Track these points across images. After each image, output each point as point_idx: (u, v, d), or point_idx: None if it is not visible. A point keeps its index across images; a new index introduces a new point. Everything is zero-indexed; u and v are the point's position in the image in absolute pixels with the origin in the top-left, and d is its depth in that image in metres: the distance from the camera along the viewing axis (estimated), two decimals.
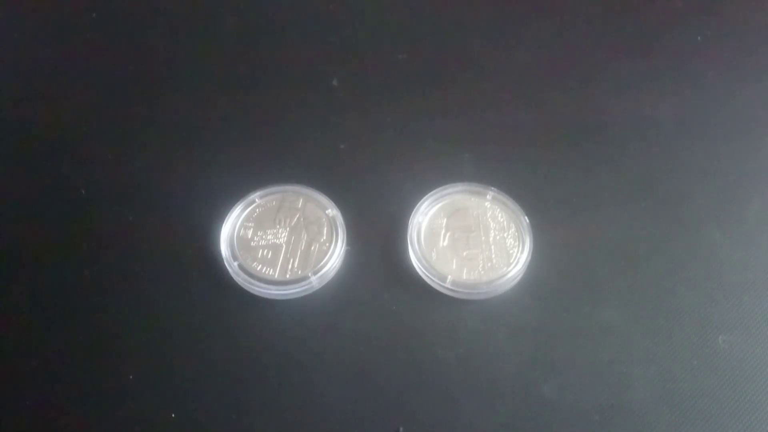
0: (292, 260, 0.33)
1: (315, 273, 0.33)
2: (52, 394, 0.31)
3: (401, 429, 0.30)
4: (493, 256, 0.34)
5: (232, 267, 0.33)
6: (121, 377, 0.31)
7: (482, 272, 0.33)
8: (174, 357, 0.32)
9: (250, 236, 0.34)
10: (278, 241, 0.34)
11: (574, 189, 0.37)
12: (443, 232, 0.34)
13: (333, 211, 0.35)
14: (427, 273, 0.33)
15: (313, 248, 0.34)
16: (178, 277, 0.34)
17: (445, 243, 0.34)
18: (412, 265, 0.34)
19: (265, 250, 0.34)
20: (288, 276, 0.33)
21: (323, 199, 0.35)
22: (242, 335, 0.32)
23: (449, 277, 0.33)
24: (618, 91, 0.40)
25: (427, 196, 0.35)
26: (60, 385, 0.31)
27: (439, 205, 0.35)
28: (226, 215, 0.34)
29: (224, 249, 0.33)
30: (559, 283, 0.34)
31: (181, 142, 0.38)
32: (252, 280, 0.33)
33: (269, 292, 0.33)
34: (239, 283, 0.33)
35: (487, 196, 0.35)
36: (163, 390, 0.31)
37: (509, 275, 0.33)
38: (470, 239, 0.34)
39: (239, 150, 0.38)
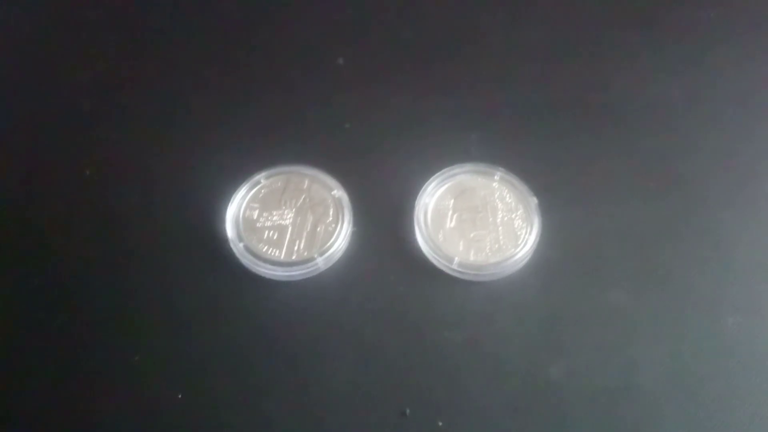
0: (298, 241, 0.33)
1: (321, 254, 0.33)
2: (57, 375, 0.31)
3: (408, 410, 0.30)
4: (501, 237, 0.33)
5: (237, 248, 0.33)
6: (127, 358, 0.31)
7: (489, 254, 0.33)
8: (180, 338, 0.32)
9: (255, 217, 0.34)
10: (284, 222, 0.34)
11: (583, 169, 0.36)
12: (450, 213, 0.34)
13: (339, 192, 0.34)
14: (434, 254, 0.33)
15: (319, 229, 0.34)
16: (184, 259, 0.33)
17: (452, 224, 0.34)
18: (419, 247, 0.34)
19: (271, 232, 0.33)
20: (294, 257, 0.33)
21: (329, 180, 0.35)
22: (248, 317, 0.32)
23: (456, 258, 0.33)
24: (628, 69, 0.40)
25: (433, 177, 0.35)
26: (66, 366, 0.31)
27: (446, 185, 0.35)
28: (232, 196, 0.34)
29: (230, 230, 0.33)
30: (567, 264, 0.33)
31: (187, 122, 0.38)
32: (258, 262, 0.33)
33: (275, 273, 0.33)
34: (245, 264, 0.33)
35: (495, 177, 0.35)
36: (170, 371, 0.31)
37: (517, 257, 0.33)
38: (477, 220, 0.34)
39: (244, 130, 0.37)
